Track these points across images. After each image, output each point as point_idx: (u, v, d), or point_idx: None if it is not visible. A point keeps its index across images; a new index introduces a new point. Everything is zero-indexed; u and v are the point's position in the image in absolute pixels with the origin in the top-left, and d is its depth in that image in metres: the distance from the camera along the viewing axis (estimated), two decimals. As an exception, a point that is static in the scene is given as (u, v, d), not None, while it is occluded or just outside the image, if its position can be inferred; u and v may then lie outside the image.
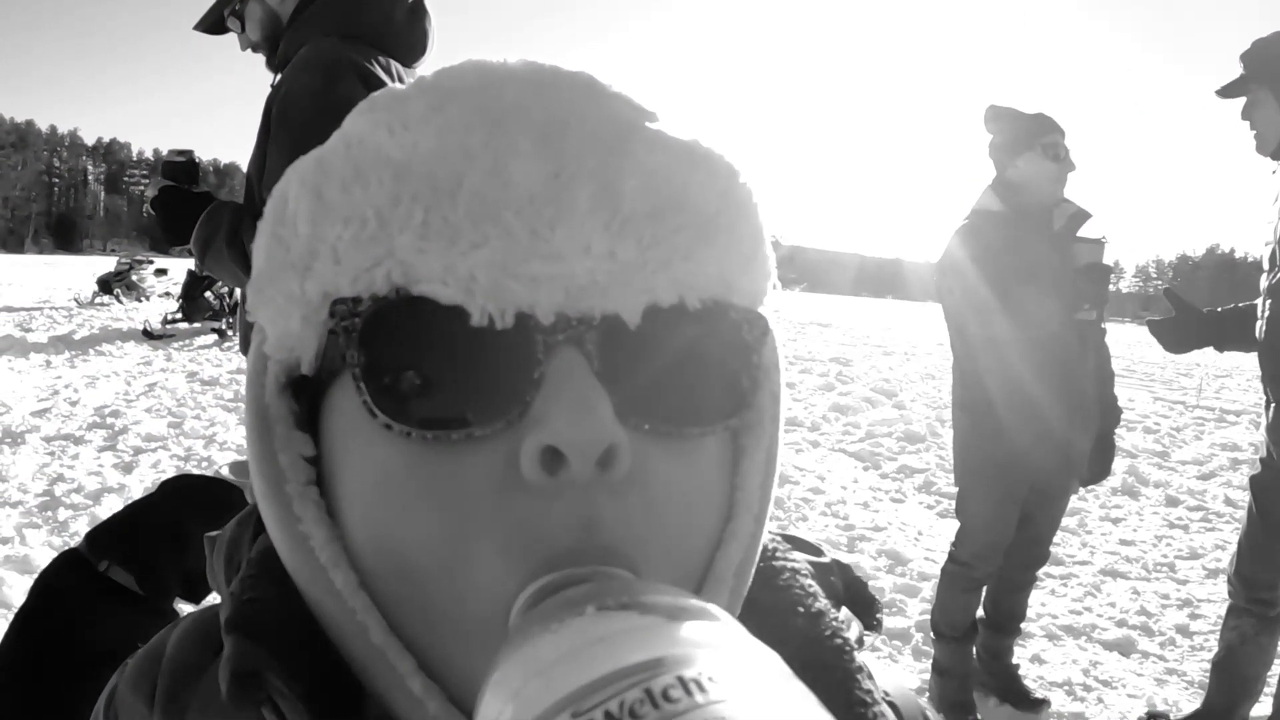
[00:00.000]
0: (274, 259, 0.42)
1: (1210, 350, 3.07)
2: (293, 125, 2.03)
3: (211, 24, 2.36)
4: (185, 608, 3.07)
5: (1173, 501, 6.52)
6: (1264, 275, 2.76)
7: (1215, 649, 3.02)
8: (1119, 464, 7.11)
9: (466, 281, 0.36)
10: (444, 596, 0.36)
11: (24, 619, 1.76)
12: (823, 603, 0.46)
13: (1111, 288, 3.13)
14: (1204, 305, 3.08)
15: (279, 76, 2.16)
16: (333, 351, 0.40)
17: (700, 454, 0.40)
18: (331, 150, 0.42)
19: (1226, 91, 2.80)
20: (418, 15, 2.26)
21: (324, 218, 0.40)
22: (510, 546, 0.35)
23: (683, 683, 0.23)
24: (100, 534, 1.84)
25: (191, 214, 2.09)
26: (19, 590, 3.39)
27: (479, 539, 0.36)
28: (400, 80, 2.16)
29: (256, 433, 0.41)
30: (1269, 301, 2.71)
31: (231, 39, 2.37)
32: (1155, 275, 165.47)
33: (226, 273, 2.07)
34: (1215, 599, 4.42)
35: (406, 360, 0.37)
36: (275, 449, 0.40)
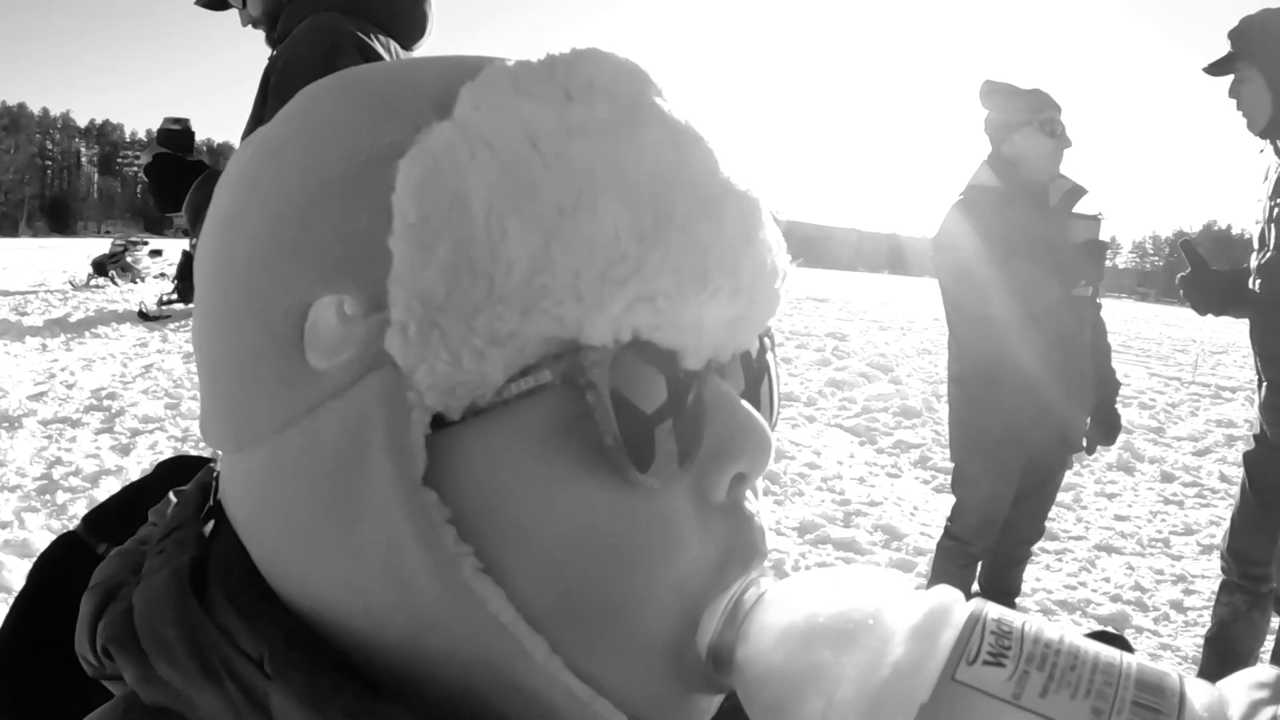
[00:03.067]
0: (461, 289, 0.34)
1: (1207, 326, 3.06)
2: (289, 96, 2.02)
3: (210, 1, 2.35)
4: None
5: (1168, 477, 6.55)
6: (1253, 254, 2.76)
7: (1209, 625, 3.05)
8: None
9: (698, 328, 0.37)
10: (629, 626, 0.37)
11: (22, 603, 1.76)
12: None
13: (1108, 263, 3.12)
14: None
15: (277, 50, 2.15)
16: (518, 394, 0.35)
17: None
18: (520, 156, 0.36)
19: (1214, 69, 2.78)
20: None
21: (558, 247, 0.34)
22: (714, 567, 0.38)
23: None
24: (98, 517, 1.82)
25: (185, 182, 2.09)
26: (18, 574, 3.40)
27: (686, 567, 0.37)
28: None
29: (397, 483, 0.34)
30: (1259, 280, 2.71)
31: (229, 18, 2.36)
32: (1152, 251, 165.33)
33: None
34: (1209, 575, 4.45)
35: (642, 408, 0.36)
36: (425, 500, 0.35)
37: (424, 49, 2.31)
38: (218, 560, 0.39)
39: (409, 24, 2.24)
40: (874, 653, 0.33)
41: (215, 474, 0.44)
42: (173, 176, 2.12)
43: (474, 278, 0.34)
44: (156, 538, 0.42)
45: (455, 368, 0.34)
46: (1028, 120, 2.90)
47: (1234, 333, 3.18)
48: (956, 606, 0.34)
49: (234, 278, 0.38)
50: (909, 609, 0.34)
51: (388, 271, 0.35)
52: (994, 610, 0.34)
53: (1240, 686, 0.31)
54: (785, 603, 0.37)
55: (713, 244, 0.36)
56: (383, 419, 0.34)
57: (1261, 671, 0.32)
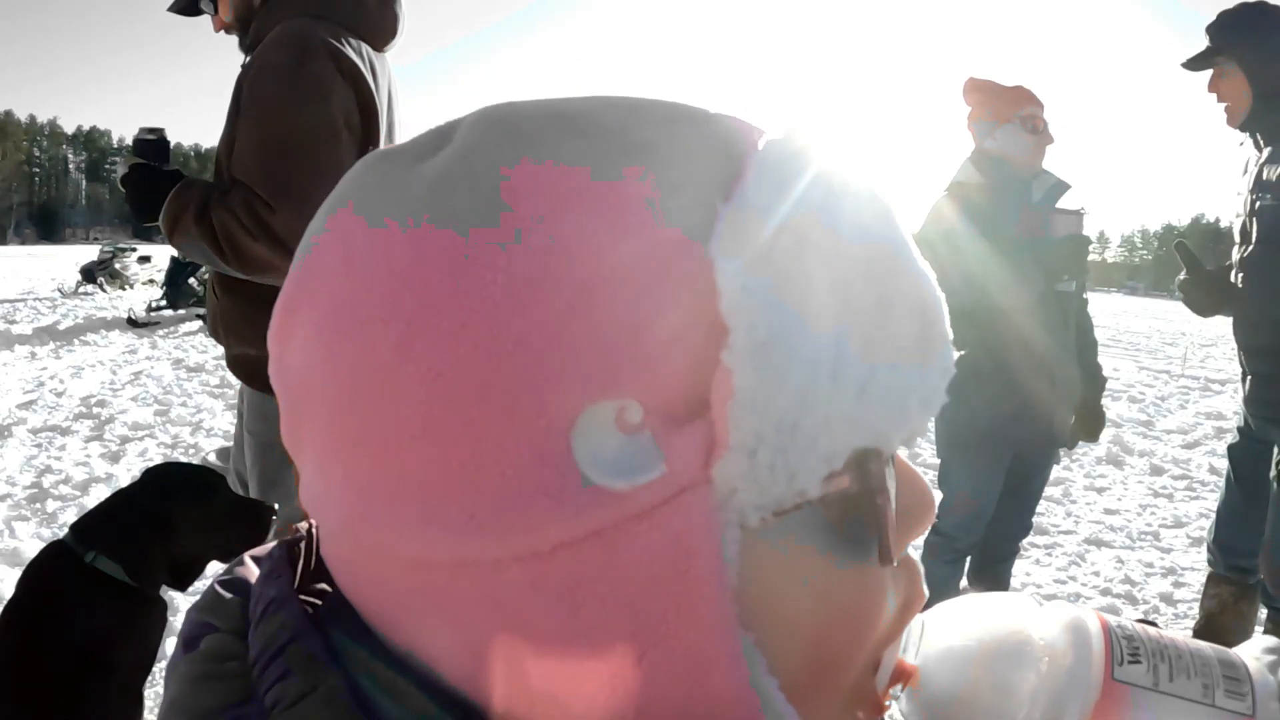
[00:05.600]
0: (810, 411, 0.33)
1: (1196, 319, 3.07)
2: (262, 103, 2.03)
3: (185, 5, 2.36)
4: (173, 595, 3.08)
5: (1157, 470, 6.58)
6: (1235, 248, 2.78)
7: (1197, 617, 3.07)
8: (1104, 433, 7.17)
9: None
10: (842, 679, 0.40)
11: (11, 611, 1.77)
12: None
13: (1097, 258, 3.15)
14: None
15: (250, 56, 2.16)
16: (816, 499, 0.35)
17: None
18: (875, 256, 0.35)
19: (1193, 64, 2.80)
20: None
21: (884, 362, 0.35)
22: (898, 615, 0.41)
23: None
24: (86, 524, 1.85)
25: (162, 192, 2.09)
26: (9, 583, 3.40)
27: (884, 621, 0.40)
28: (370, 64, 2.16)
29: (717, 605, 0.33)
30: (1241, 274, 2.73)
31: (211, 25, 2.37)
32: (1140, 245, 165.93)
33: (194, 250, 2.07)
34: (1199, 567, 4.47)
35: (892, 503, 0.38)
36: (735, 615, 0.35)
37: (395, 50, 2.32)
38: (389, 682, 0.35)
39: (379, 26, 2.25)
40: (1047, 665, 0.43)
41: (306, 562, 0.42)
42: (149, 186, 2.12)
43: (820, 400, 0.33)
44: (264, 654, 0.37)
45: (786, 486, 0.33)
46: (1009, 117, 2.92)
47: (1223, 326, 3.22)
48: (1088, 619, 0.44)
49: (465, 367, 0.32)
50: (1050, 625, 0.44)
51: (681, 376, 0.32)
52: (1110, 618, 0.44)
53: (1253, 652, 0.43)
54: (945, 632, 0.46)
55: (944, 339, 0.38)
56: (706, 543, 0.32)
57: (1263, 640, 0.45)
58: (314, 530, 0.46)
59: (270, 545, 0.46)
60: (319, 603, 0.39)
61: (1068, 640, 0.43)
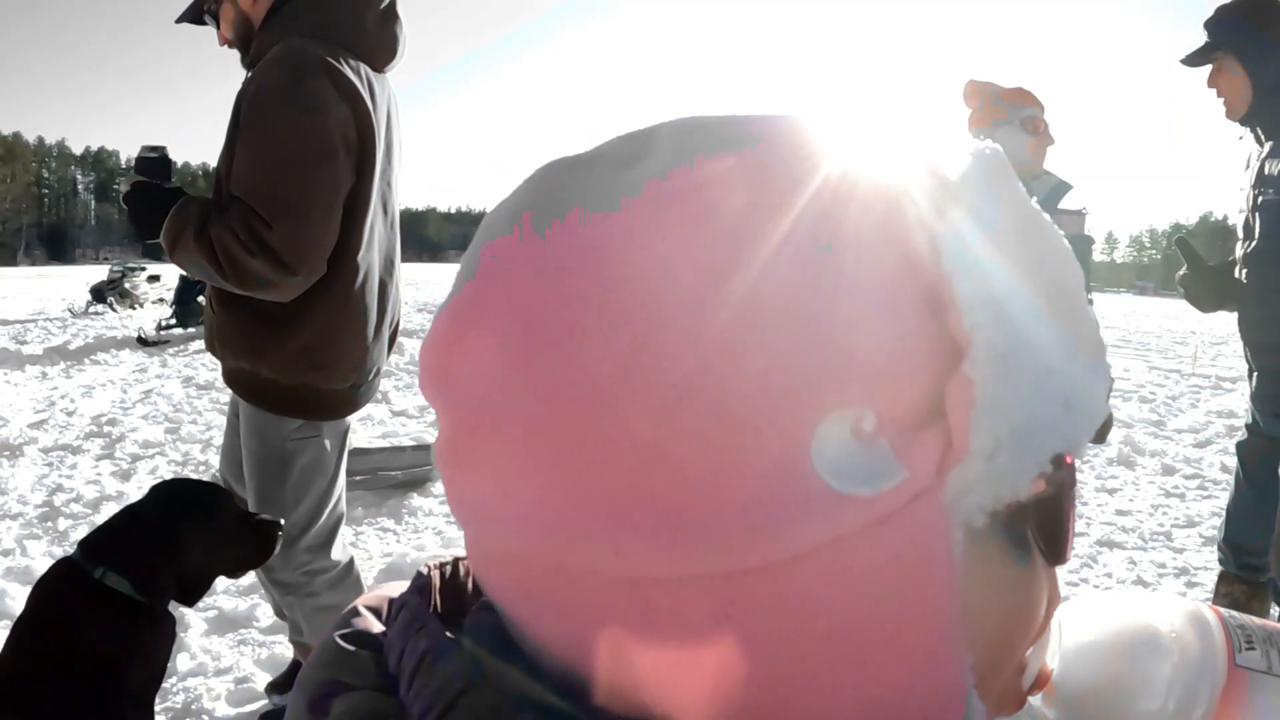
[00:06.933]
0: (1039, 416, 0.35)
1: (1206, 318, 3.06)
2: (260, 121, 2.05)
3: (194, 15, 2.38)
4: (181, 611, 3.08)
5: (1169, 470, 6.54)
6: (1239, 244, 2.77)
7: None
8: (1115, 434, 7.12)
9: None
10: (1004, 674, 0.41)
11: (21, 628, 1.78)
12: None
13: (1106, 259, 3.14)
14: None
15: (250, 74, 2.18)
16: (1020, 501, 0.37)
17: None
18: (1056, 254, 0.38)
19: (1192, 60, 2.80)
20: (389, 20, 2.28)
21: (1080, 357, 0.37)
22: (1046, 613, 0.43)
23: None
24: (94, 541, 1.86)
25: (163, 209, 2.11)
26: (21, 601, 3.41)
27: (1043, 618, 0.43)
28: (369, 83, 2.18)
29: (951, 606, 0.35)
30: (1245, 270, 2.73)
31: (221, 48, 2.39)
32: (1149, 245, 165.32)
33: (194, 267, 2.09)
34: (1212, 567, 4.43)
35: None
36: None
37: (396, 70, 2.34)
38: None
39: (379, 47, 2.26)
40: (1179, 654, 0.46)
41: (460, 605, 0.42)
42: (151, 204, 2.14)
43: (1042, 405, 0.35)
44: (433, 708, 0.36)
45: (1009, 489, 0.34)
46: (1009, 118, 2.93)
47: (1233, 324, 3.22)
48: (1204, 610, 0.48)
49: (702, 379, 0.31)
50: (1173, 616, 0.47)
51: (917, 385, 0.33)
52: (1223, 610, 0.48)
53: None
54: (1078, 628, 0.49)
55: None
56: (941, 544, 0.34)
57: None
58: (436, 573, 0.45)
59: (389, 594, 0.45)
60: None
61: (1193, 630, 0.46)
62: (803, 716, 0.34)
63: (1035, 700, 0.48)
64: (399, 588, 0.46)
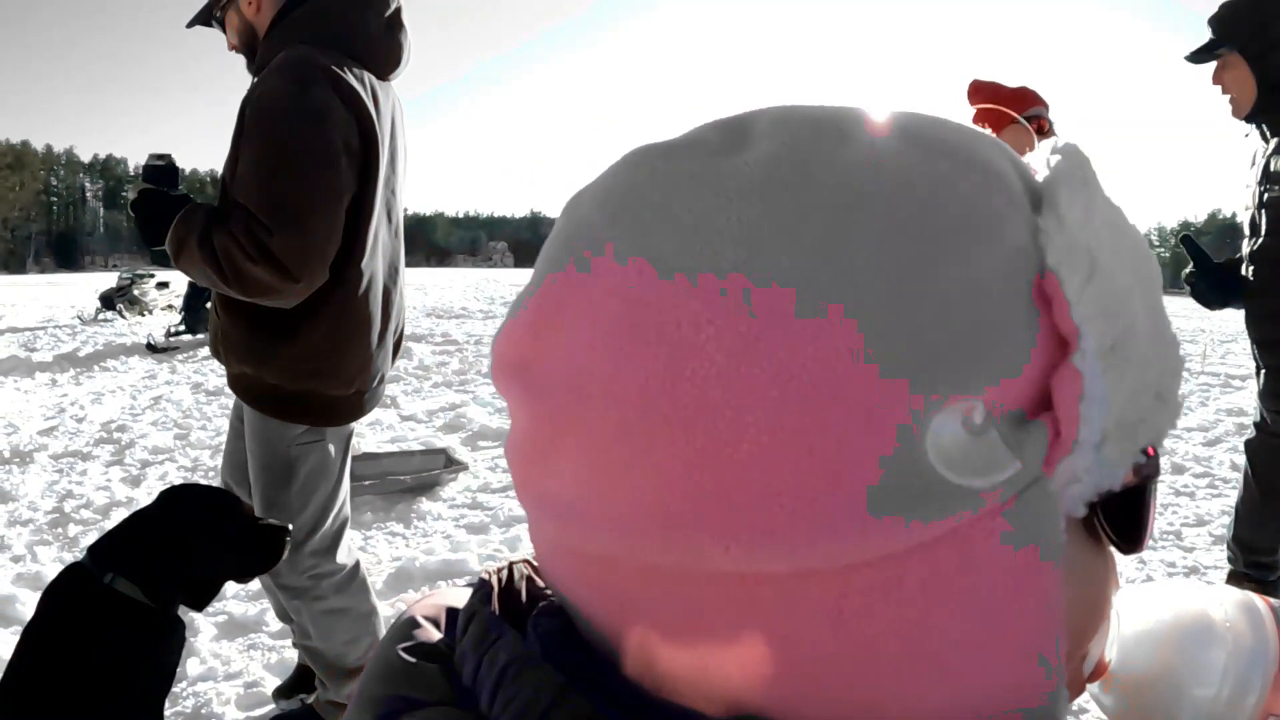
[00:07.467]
0: (1138, 409, 0.36)
1: (1216, 315, 3.06)
2: (263, 128, 2.07)
3: (202, 20, 2.41)
4: (190, 616, 3.09)
5: (1179, 469, 6.51)
6: (1245, 241, 2.76)
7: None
8: (1123, 433, 7.09)
9: None
10: (1077, 661, 0.42)
11: (31, 634, 1.79)
12: None
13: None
14: None
15: (254, 81, 2.19)
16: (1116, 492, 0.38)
17: None
18: (1133, 246, 0.38)
19: (1196, 57, 2.79)
20: (394, 28, 2.29)
21: (1166, 363, 0.38)
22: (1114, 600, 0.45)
23: None
24: (103, 546, 1.86)
25: (169, 216, 2.12)
26: (31, 606, 3.42)
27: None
28: (373, 91, 2.19)
29: (1058, 598, 0.35)
30: (1252, 267, 2.72)
31: (231, 54, 2.41)
32: (1157, 243, 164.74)
33: (198, 273, 2.10)
34: (1222, 566, 4.40)
35: None
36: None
37: (400, 79, 2.35)
38: None
39: (383, 55, 2.27)
40: (1232, 643, 0.47)
41: (527, 607, 0.42)
42: (157, 211, 2.15)
43: (1142, 397, 0.36)
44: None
45: (1112, 479, 0.35)
46: (1013, 119, 2.92)
47: (1242, 321, 3.23)
48: (1255, 599, 0.49)
49: (818, 369, 0.31)
50: (1226, 605, 0.49)
51: (1026, 377, 0.33)
52: (1274, 600, 0.49)
53: None
54: (1135, 618, 0.50)
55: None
56: (1050, 533, 0.34)
57: None
58: (498, 577, 0.44)
59: (445, 602, 0.44)
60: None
61: (1245, 620, 0.48)
62: (905, 712, 0.34)
63: (1093, 688, 0.49)
64: (456, 595, 0.45)
